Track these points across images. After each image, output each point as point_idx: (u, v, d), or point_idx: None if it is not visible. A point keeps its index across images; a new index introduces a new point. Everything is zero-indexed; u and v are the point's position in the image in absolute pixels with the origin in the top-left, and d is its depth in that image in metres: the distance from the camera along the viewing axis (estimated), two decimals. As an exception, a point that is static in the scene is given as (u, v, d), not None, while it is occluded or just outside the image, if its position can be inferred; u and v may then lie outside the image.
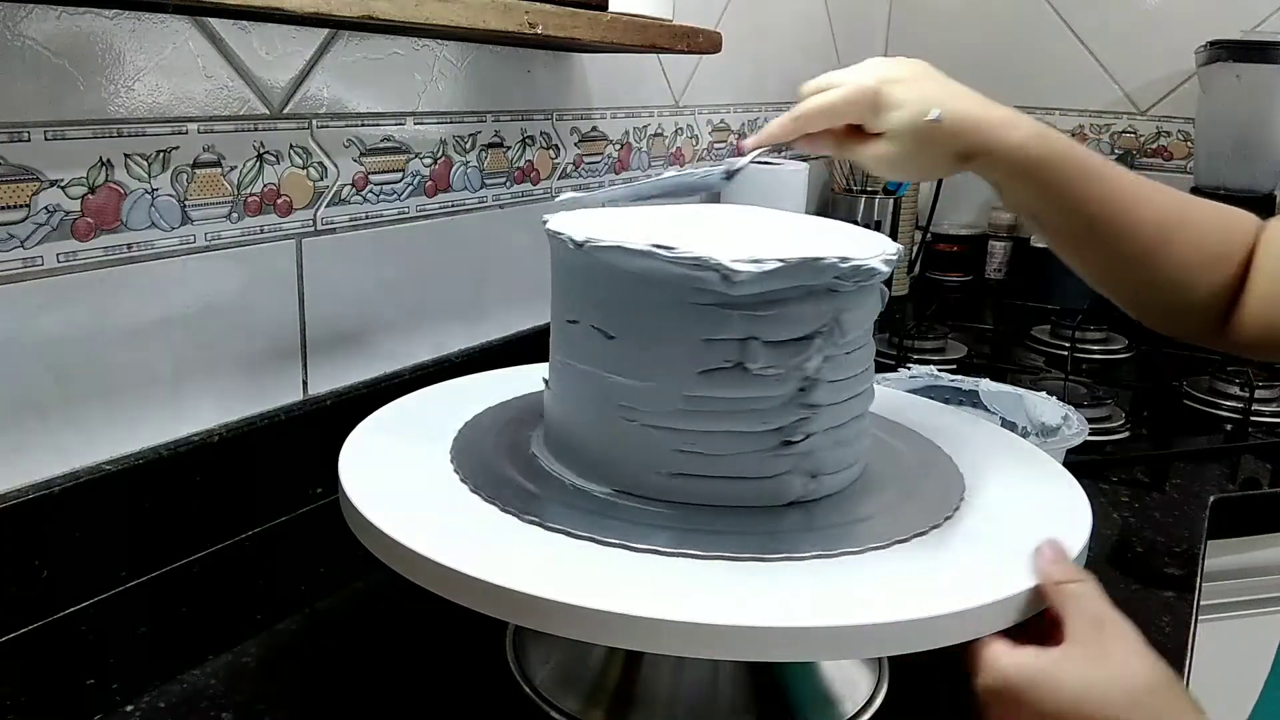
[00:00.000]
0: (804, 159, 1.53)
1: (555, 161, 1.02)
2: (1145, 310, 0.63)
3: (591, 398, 0.52)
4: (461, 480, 0.52)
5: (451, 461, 0.55)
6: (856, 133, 0.61)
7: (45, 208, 0.58)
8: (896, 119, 0.58)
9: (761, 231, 0.57)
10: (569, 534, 0.47)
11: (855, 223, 1.47)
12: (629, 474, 0.51)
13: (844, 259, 0.47)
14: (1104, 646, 0.42)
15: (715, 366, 0.48)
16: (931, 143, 0.58)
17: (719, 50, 0.96)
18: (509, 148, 0.95)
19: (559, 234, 0.51)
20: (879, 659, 0.58)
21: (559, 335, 0.55)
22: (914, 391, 0.84)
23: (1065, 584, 0.44)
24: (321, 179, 0.76)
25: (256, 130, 0.70)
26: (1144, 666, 0.41)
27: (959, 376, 0.97)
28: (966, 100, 0.58)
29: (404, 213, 0.84)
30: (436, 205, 0.87)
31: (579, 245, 0.50)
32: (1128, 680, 0.41)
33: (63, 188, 0.59)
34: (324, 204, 0.76)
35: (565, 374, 0.54)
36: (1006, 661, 0.43)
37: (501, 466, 0.55)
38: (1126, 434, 1.01)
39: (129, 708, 0.52)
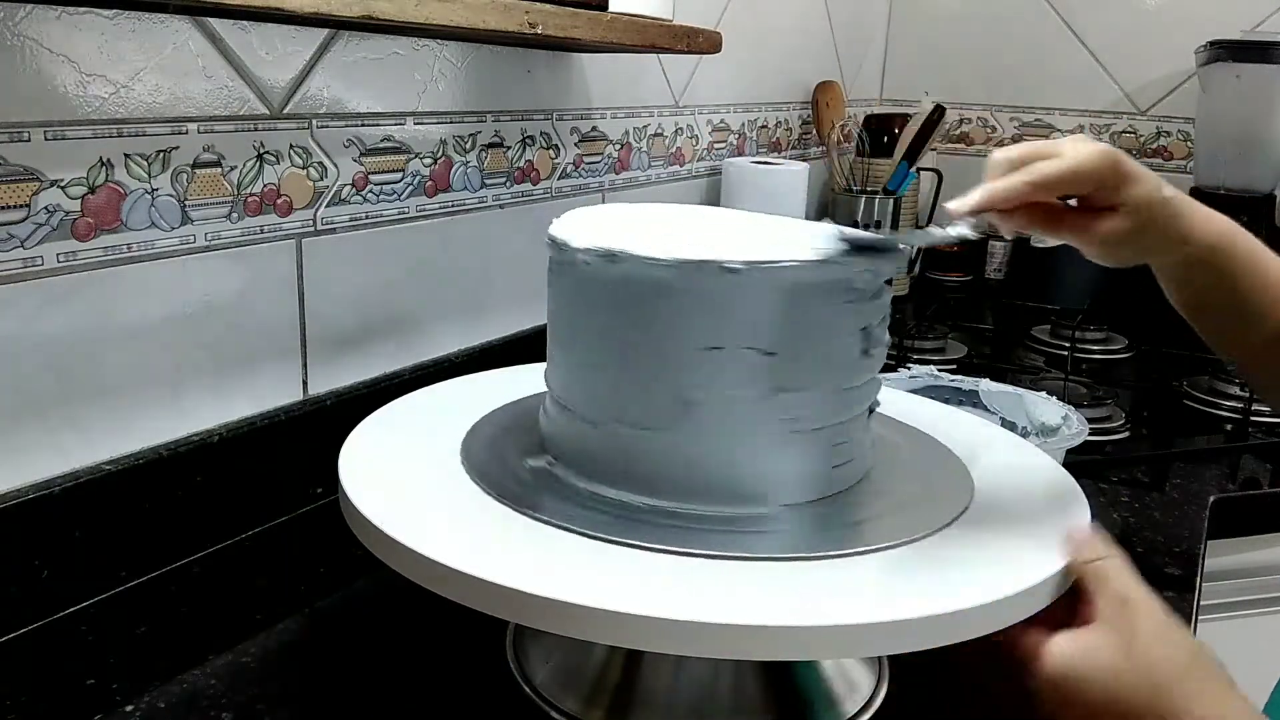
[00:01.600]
0: (803, 158, 1.53)
1: (555, 161, 1.02)
2: (1255, 374, 0.65)
3: (744, 419, 0.50)
4: (474, 481, 0.53)
5: (462, 460, 0.55)
6: (1073, 209, 0.55)
7: (45, 208, 0.58)
8: (1137, 193, 0.54)
9: (762, 229, 0.57)
10: (566, 530, 0.47)
11: (855, 223, 1.47)
12: (788, 484, 0.51)
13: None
14: (1132, 628, 0.42)
15: (856, 356, 0.52)
16: (1155, 223, 0.55)
17: (719, 50, 0.96)
18: (509, 148, 0.95)
19: (709, 261, 0.47)
20: (879, 659, 0.58)
21: (683, 368, 0.49)
22: (914, 391, 0.84)
23: (1093, 562, 0.45)
24: (321, 179, 0.76)
25: (256, 130, 0.70)
26: (1170, 648, 0.42)
27: (959, 376, 0.97)
28: (1168, 186, 0.56)
29: (404, 213, 0.84)
30: (436, 205, 0.87)
31: (739, 269, 0.47)
32: (1155, 664, 0.41)
33: (63, 188, 0.59)
34: (324, 204, 0.76)
35: (688, 407, 0.49)
36: (1048, 650, 0.44)
37: (511, 467, 0.55)
38: (1126, 434, 1.01)
39: (129, 708, 0.52)
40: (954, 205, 0.53)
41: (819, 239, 0.51)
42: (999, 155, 0.54)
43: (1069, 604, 0.46)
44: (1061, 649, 0.43)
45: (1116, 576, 0.45)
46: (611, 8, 0.80)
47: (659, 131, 1.21)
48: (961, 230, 0.53)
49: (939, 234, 0.55)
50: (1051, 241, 0.57)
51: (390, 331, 0.84)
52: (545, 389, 0.58)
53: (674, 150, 1.25)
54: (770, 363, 0.49)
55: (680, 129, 1.26)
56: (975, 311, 1.57)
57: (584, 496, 0.52)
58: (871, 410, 0.55)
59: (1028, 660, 0.45)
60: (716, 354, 0.48)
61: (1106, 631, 0.43)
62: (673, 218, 0.60)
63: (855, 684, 0.56)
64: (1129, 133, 1.67)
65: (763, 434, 0.50)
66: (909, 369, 0.99)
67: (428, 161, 0.85)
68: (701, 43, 0.92)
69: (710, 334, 0.48)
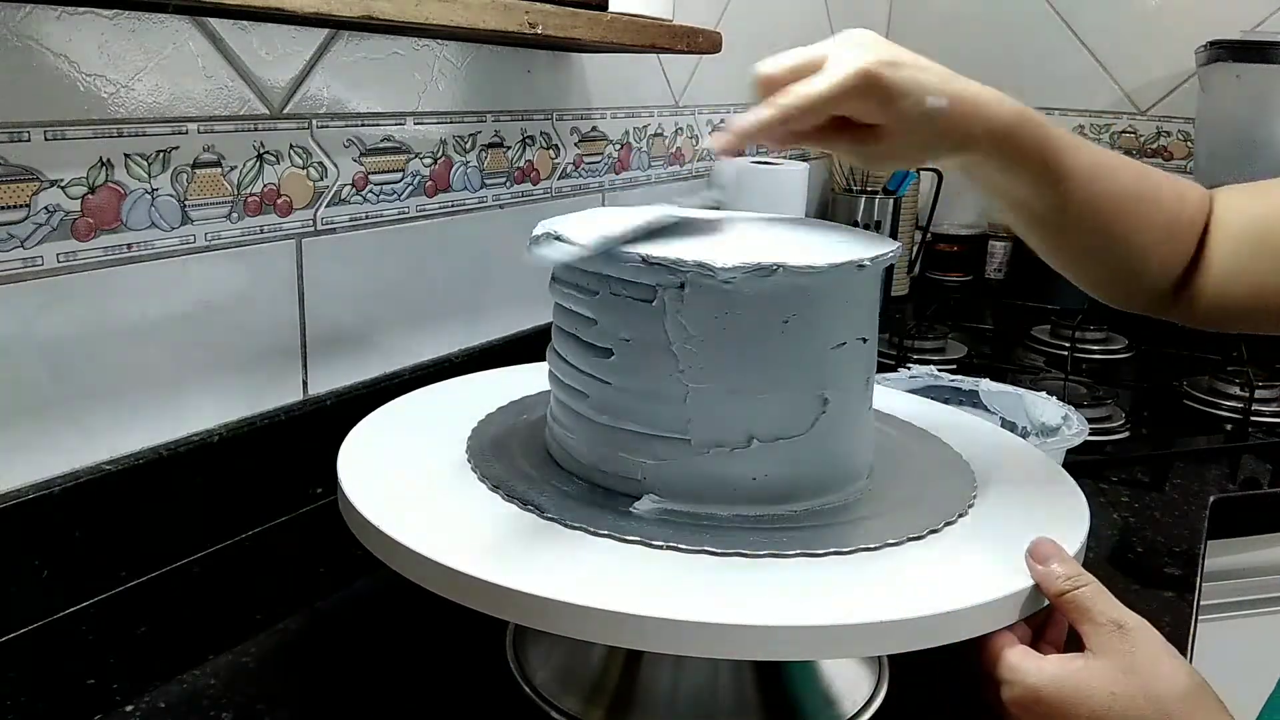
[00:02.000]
0: (803, 158, 1.53)
1: (555, 161, 1.02)
2: (1101, 286, 0.62)
3: (858, 409, 0.54)
4: (475, 480, 0.52)
5: (463, 459, 0.55)
6: (845, 124, 0.51)
7: (45, 208, 0.58)
8: (899, 109, 0.49)
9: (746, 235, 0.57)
10: (566, 529, 0.47)
11: (855, 223, 1.47)
12: (868, 466, 0.55)
13: None
14: (1131, 655, 0.42)
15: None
16: (919, 135, 0.51)
17: (719, 50, 0.96)
18: (509, 148, 0.95)
19: (849, 261, 0.48)
20: (879, 659, 0.58)
21: (819, 369, 0.50)
22: (914, 391, 0.84)
23: (1073, 592, 0.44)
24: (321, 179, 0.76)
25: (256, 130, 0.70)
26: (1173, 674, 0.41)
27: (959, 376, 0.97)
28: (957, 81, 0.52)
29: (404, 213, 0.84)
30: (436, 205, 0.87)
31: (867, 264, 0.49)
32: (1157, 690, 0.41)
33: (63, 188, 0.59)
34: (324, 204, 0.76)
35: (824, 406, 0.50)
36: (1034, 671, 0.43)
37: (518, 467, 0.55)
38: (1126, 434, 1.01)
39: (129, 708, 0.52)
40: (717, 143, 0.50)
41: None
42: (763, 71, 0.50)
43: (1052, 626, 0.46)
44: (1053, 673, 0.43)
45: (1101, 602, 0.44)
46: (611, 8, 0.80)
47: (659, 131, 1.21)
48: (739, 167, 0.52)
49: (728, 170, 0.54)
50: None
51: (390, 331, 0.84)
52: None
53: (674, 150, 1.25)
54: (867, 350, 0.53)
55: (680, 129, 1.26)
56: (975, 311, 1.57)
57: (585, 496, 0.51)
58: None
59: (990, 676, 0.44)
60: (841, 350, 0.51)
61: (1102, 657, 0.42)
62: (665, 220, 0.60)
63: (855, 684, 0.56)
64: (1129, 133, 1.67)
65: (865, 420, 0.55)
66: (909, 369, 0.99)
67: (428, 161, 0.85)
68: (701, 43, 0.92)
69: (840, 331, 0.50)
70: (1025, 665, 0.43)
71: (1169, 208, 0.59)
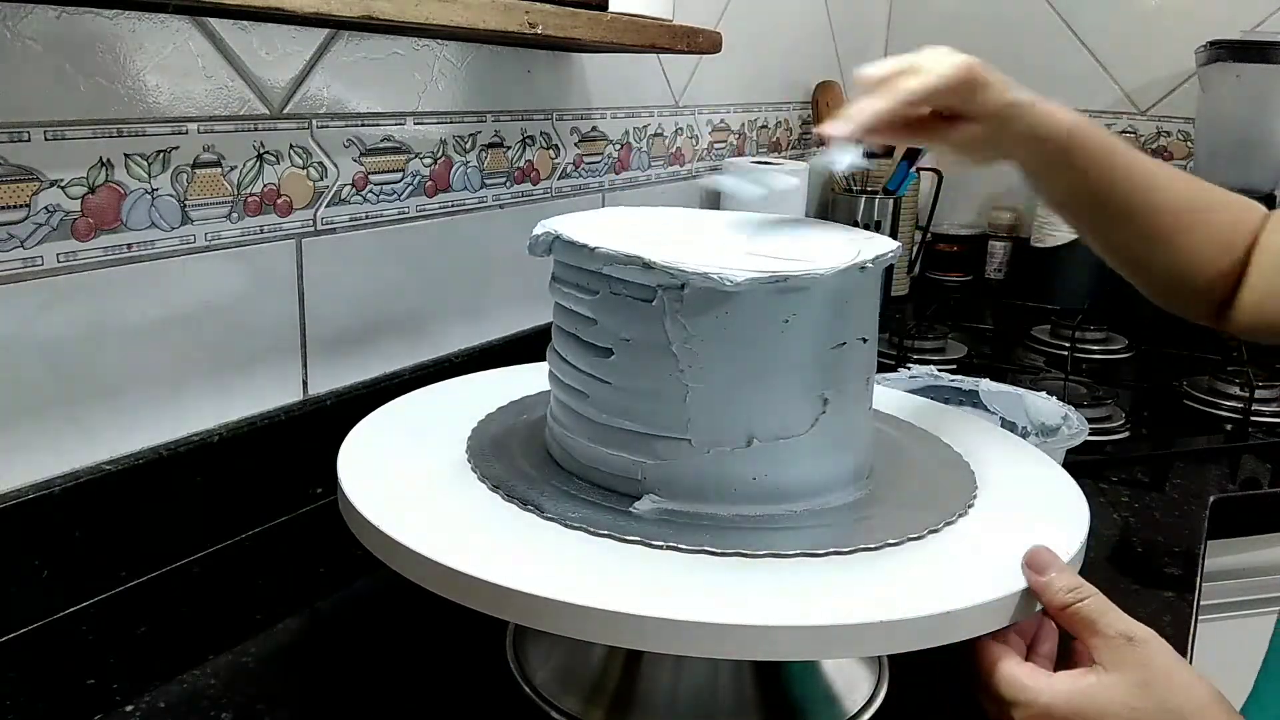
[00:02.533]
0: (802, 158, 1.53)
1: (555, 161, 1.02)
2: (1152, 286, 0.65)
3: (858, 408, 0.54)
4: (475, 480, 0.52)
5: (463, 459, 0.55)
6: (937, 119, 0.59)
7: (45, 208, 0.58)
8: (987, 99, 0.57)
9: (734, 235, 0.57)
10: (566, 529, 0.47)
11: (855, 223, 1.47)
12: (869, 466, 0.54)
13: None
14: (1144, 669, 0.41)
15: None
16: (1006, 125, 0.58)
17: (719, 50, 0.96)
18: (509, 148, 0.95)
19: (854, 264, 0.49)
20: (879, 659, 0.58)
21: (820, 369, 0.50)
22: (914, 391, 0.84)
23: (1076, 605, 0.43)
24: (321, 179, 0.76)
25: (256, 130, 0.70)
26: (1188, 686, 0.40)
27: (959, 376, 0.97)
28: (1019, 88, 0.59)
29: (404, 213, 0.84)
30: (436, 205, 0.87)
31: (869, 265, 0.49)
32: (1175, 702, 0.40)
33: (63, 188, 0.59)
34: (324, 204, 0.76)
35: (824, 405, 0.50)
36: (1045, 689, 0.42)
37: (518, 467, 0.55)
38: (1126, 434, 1.01)
39: (129, 708, 0.52)
40: (830, 130, 0.55)
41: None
42: (865, 73, 0.56)
43: (1047, 636, 0.45)
44: (1067, 690, 0.41)
45: (1108, 614, 0.43)
46: (611, 8, 0.80)
47: (659, 131, 1.21)
48: (853, 160, 0.56)
49: (843, 161, 0.57)
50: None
51: (390, 331, 0.84)
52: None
53: (674, 150, 1.25)
54: (867, 350, 0.53)
55: (680, 129, 1.26)
56: (975, 311, 1.57)
57: (585, 496, 0.51)
58: None
59: (999, 692, 0.43)
60: (842, 350, 0.51)
61: (1115, 671, 0.41)
62: (668, 225, 0.60)
63: (855, 684, 0.56)
64: (1129, 133, 1.67)
65: (865, 420, 0.55)
66: (909, 369, 0.99)
67: (428, 161, 0.85)
68: (701, 43, 0.92)
69: (840, 331, 0.51)
70: (1036, 684, 0.42)
71: (1221, 224, 0.62)
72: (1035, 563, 0.44)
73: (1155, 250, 0.62)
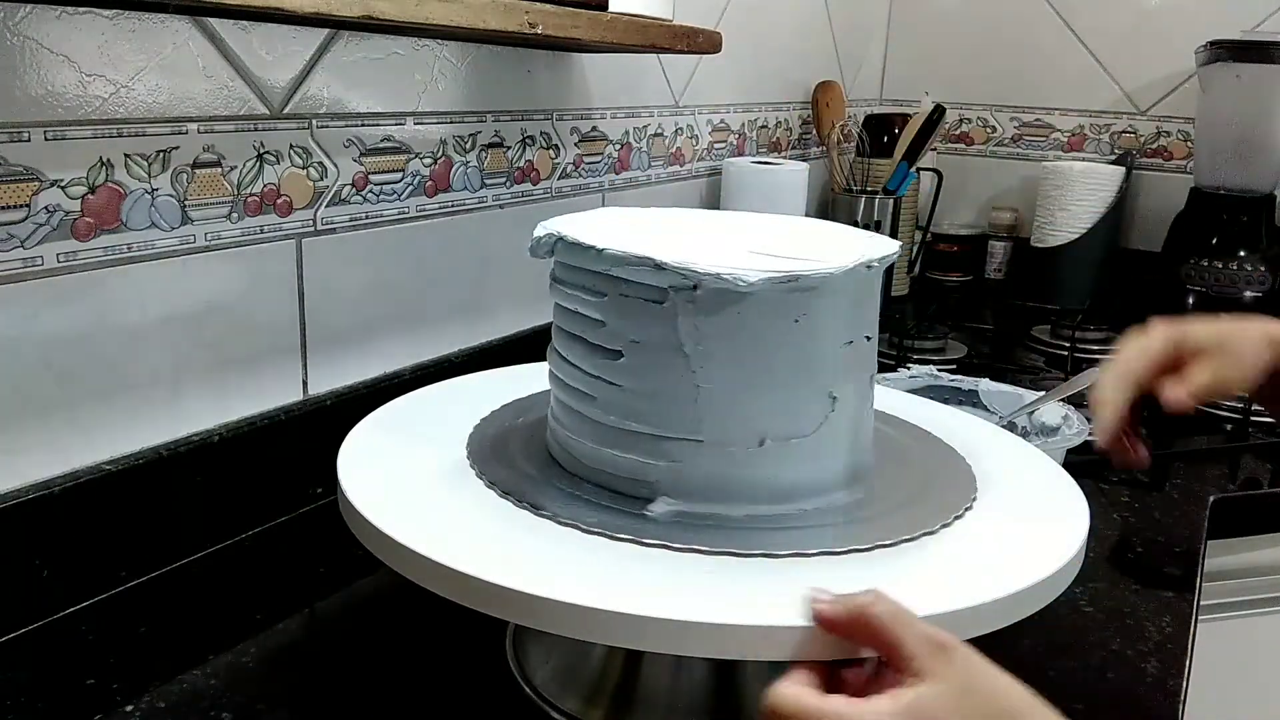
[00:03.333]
0: (803, 158, 1.53)
1: (555, 161, 1.02)
2: None
3: (863, 406, 0.54)
4: (475, 479, 0.52)
5: (463, 459, 0.55)
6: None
7: (45, 208, 0.58)
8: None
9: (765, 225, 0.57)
10: (566, 528, 0.47)
11: (855, 223, 1.47)
12: (856, 469, 0.54)
13: None
14: (965, 675, 0.38)
15: None
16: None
17: (719, 50, 0.96)
18: (509, 148, 0.95)
19: (861, 262, 0.49)
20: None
21: (829, 368, 0.51)
22: (914, 391, 0.84)
23: (874, 609, 0.39)
24: (321, 179, 0.76)
25: (256, 130, 0.70)
26: (1009, 688, 0.38)
27: (959, 376, 0.97)
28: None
29: (404, 213, 0.84)
30: (436, 205, 0.87)
31: (875, 264, 0.50)
32: (1001, 705, 0.38)
33: (63, 188, 0.59)
34: (324, 204, 0.76)
35: (833, 404, 0.51)
36: (871, 714, 0.37)
37: (518, 467, 0.55)
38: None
39: (129, 708, 0.52)
40: (1101, 439, 0.56)
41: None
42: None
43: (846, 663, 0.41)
44: (891, 710, 0.37)
45: (914, 625, 0.39)
46: (611, 8, 0.80)
47: (659, 131, 1.21)
48: None
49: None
50: None
51: (390, 331, 0.84)
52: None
53: (674, 150, 1.25)
54: (870, 348, 0.53)
55: (680, 129, 1.26)
56: (975, 311, 1.57)
57: (586, 496, 0.51)
58: None
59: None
60: (850, 347, 0.51)
61: (934, 681, 0.38)
62: (672, 225, 0.60)
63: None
64: (1129, 133, 1.67)
65: (869, 418, 0.55)
66: (909, 369, 0.99)
67: (428, 161, 0.85)
68: (701, 43, 0.92)
69: (848, 329, 0.51)
70: (859, 712, 0.37)
71: None
72: (814, 594, 0.41)
73: None
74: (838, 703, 0.38)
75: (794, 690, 0.39)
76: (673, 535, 0.47)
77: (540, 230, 0.52)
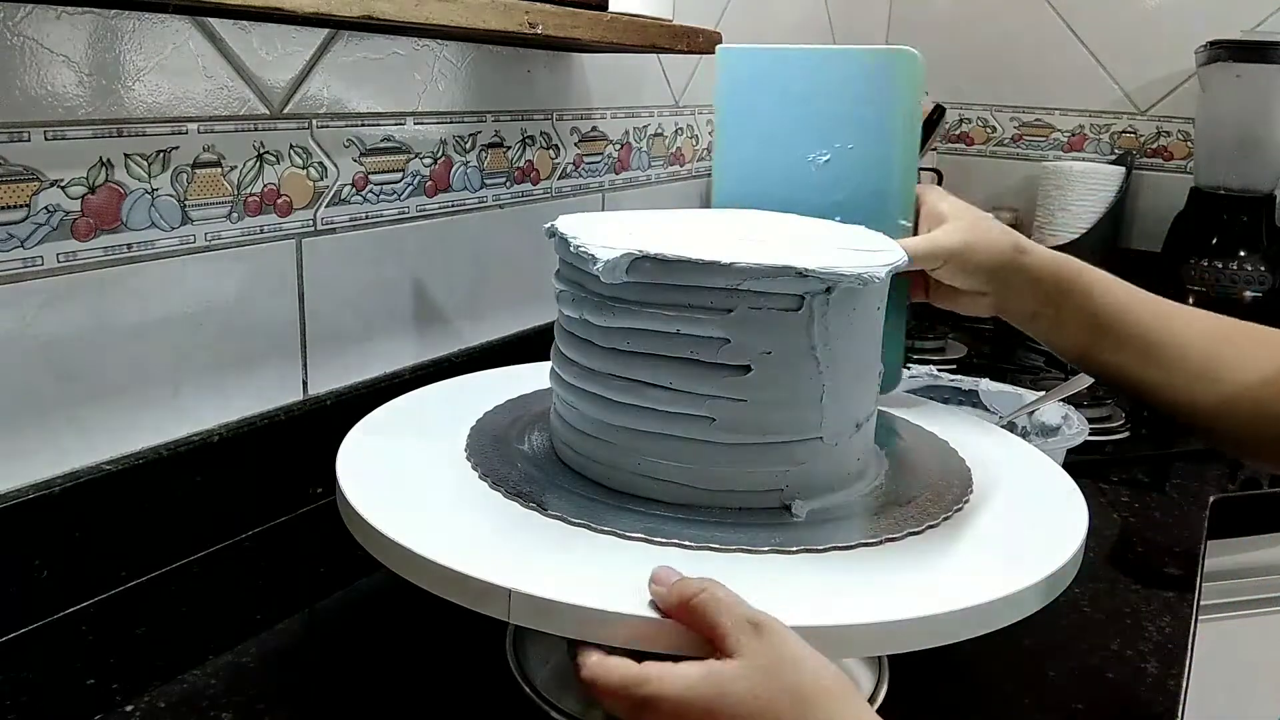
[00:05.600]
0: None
1: (555, 161, 1.02)
2: (1140, 400, 0.67)
3: (870, 412, 0.56)
4: (475, 479, 0.52)
5: (463, 459, 0.55)
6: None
7: (45, 208, 0.58)
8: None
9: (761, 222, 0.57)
10: (566, 527, 0.47)
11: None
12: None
13: None
14: (770, 655, 0.39)
15: None
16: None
17: (719, 50, 0.96)
18: (509, 148, 0.95)
19: (891, 264, 0.52)
20: (879, 659, 0.58)
21: (879, 347, 0.56)
22: (914, 391, 0.84)
23: (697, 597, 0.40)
24: (321, 179, 0.76)
25: (256, 130, 0.70)
26: (815, 671, 0.39)
27: (959, 376, 0.97)
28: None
29: (404, 213, 0.84)
30: (436, 205, 0.87)
31: (901, 264, 0.53)
32: (795, 682, 0.38)
33: (63, 188, 0.59)
34: (324, 204, 0.76)
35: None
36: (667, 675, 0.39)
37: (519, 466, 0.55)
38: (1126, 434, 1.01)
39: (129, 708, 0.52)
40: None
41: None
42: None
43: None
44: (689, 674, 0.39)
45: (734, 606, 0.40)
46: (611, 8, 0.80)
47: (659, 131, 1.21)
48: None
49: None
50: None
51: (390, 331, 0.84)
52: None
53: (674, 150, 1.25)
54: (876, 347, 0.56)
55: (680, 129, 1.26)
56: (975, 311, 1.57)
57: (586, 495, 0.51)
58: None
59: (625, 693, 0.40)
60: (884, 327, 0.56)
61: (739, 658, 0.39)
62: (669, 225, 0.60)
63: (855, 683, 0.56)
64: (1129, 133, 1.67)
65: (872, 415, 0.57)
66: (909, 369, 0.99)
67: (428, 161, 0.85)
68: (701, 43, 0.92)
69: (886, 313, 0.55)
70: (666, 673, 0.39)
71: (1195, 355, 0.62)
72: (657, 578, 0.42)
73: (1122, 377, 0.66)
74: (650, 666, 0.40)
75: (612, 660, 0.41)
76: (830, 533, 0.49)
77: (607, 254, 0.48)
